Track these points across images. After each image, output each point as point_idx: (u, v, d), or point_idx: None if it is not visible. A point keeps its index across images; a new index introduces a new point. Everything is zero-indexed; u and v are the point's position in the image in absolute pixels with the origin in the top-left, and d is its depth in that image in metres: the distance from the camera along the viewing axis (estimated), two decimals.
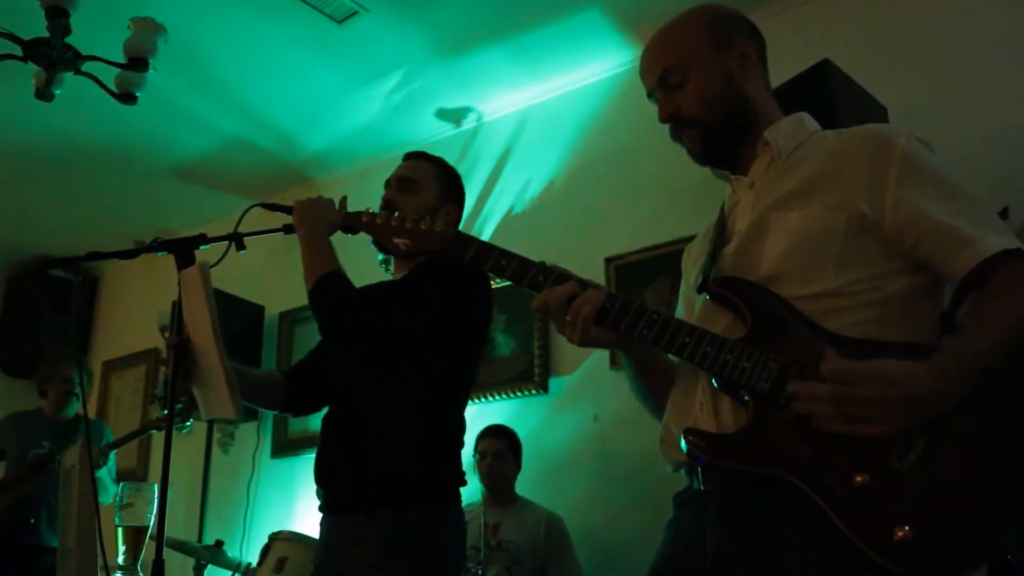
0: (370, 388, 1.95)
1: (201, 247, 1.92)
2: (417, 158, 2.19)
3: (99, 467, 3.63)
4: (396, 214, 1.44)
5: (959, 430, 1.11)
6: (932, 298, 1.27)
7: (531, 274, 1.33)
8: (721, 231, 1.41)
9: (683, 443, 1.22)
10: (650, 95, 1.46)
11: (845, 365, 1.12)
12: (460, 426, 2.02)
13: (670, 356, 1.33)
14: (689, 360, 1.23)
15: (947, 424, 1.11)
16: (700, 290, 1.34)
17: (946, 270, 1.22)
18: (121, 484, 2.63)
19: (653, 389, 1.47)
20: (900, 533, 1.06)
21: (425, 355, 1.93)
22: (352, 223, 1.50)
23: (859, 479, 1.10)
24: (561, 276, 1.32)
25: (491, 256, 1.35)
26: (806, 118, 1.44)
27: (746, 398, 1.20)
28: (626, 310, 1.27)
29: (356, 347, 1.99)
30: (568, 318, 1.28)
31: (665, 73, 1.41)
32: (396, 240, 1.41)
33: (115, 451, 3.73)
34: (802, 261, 1.25)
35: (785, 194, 1.31)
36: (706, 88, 1.38)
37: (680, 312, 1.54)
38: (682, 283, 1.56)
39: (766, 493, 1.16)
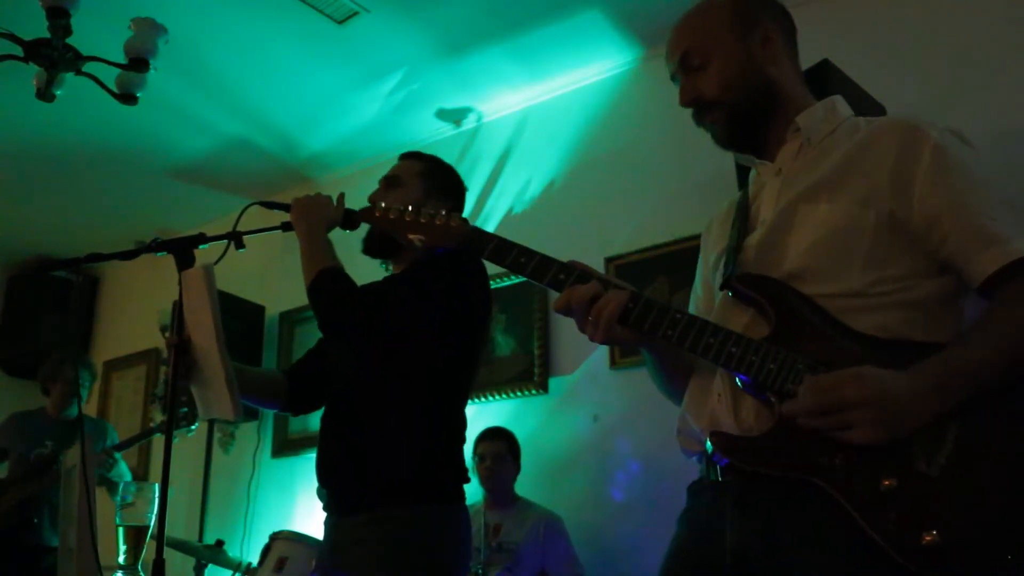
0: (370, 385, 1.95)
1: (200, 246, 1.92)
2: (407, 157, 2.20)
3: (108, 469, 3.64)
4: (410, 207, 1.38)
5: (987, 433, 1.10)
6: (959, 300, 1.26)
7: (552, 272, 1.29)
8: (744, 218, 1.38)
9: (708, 445, 1.21)
10: (673, 77, 1.43)
11: (820, 378, 1.12)
12: (461, 423, 2.01)
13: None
14: (714, 361, 1.21)
15: (974, 428, 1.10)
16: (723, 287, 1.32)
17: (967, 273, 1.20)
18: (122, 483, 2.64)
19: (677, 382, 1.44)
20: (928, 538, 1.05)
21: (425, 351, 1.93)
22: (365, 219, 1.44)
23: (887, 483, 1.09)
24: (583, 275, 1.29)
25: (510, 253, 1.31)
26: (839, 102, 1.41)
27: (772, 400, 1.19)
28: (649, 309, 1.25)
29: (355, 344, 1.99)
30: (590, 318, 1.25)
31: (686, 55, 1.38)
32: (411, 236, 1.36)
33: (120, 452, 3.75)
34: (829, 258, 1.23)
35: (813, 184, 1.29)
36: (727, 71, 1.36)
37: (697, 289, 1.52)
38: (700, 259, 1.54)
39: (789, 489, 1.16)
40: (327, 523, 1.98)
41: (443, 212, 1.37)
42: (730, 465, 1.21)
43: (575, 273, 1.29)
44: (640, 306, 1.25)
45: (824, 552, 1.12)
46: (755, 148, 1.41)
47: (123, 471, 3.73)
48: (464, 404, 2.04)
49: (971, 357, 1.13)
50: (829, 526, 1.12)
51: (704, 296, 1.49)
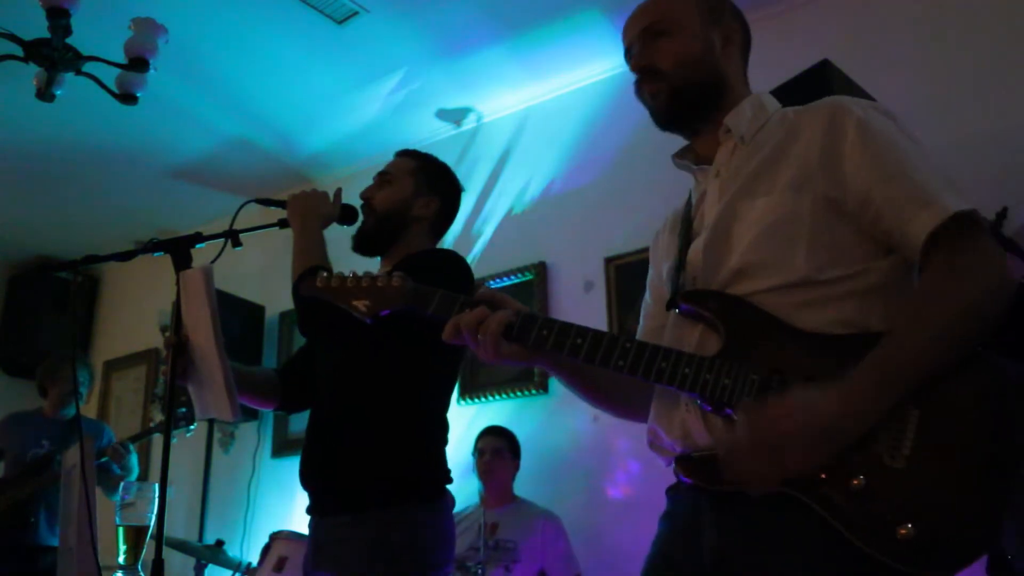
0: (352, 388, 1.95)
1: (197, 245, 1.92)
2: (402, 155, 2.21)
3: (121, 458, 3.66)
4: (351, 275, 1.39)
5: (947, 417, 1.10)
6: (913, 278, 1.24)
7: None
8: (688, 228, 1.38)
9: (675, 467, 1.22)
10: (628, 51, 1.43)
11: (752, 416, 1.11)
12: (443, 424, 2.01)
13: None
14: (669, 384, 1.21)
15: (934, 413, 1.10)
16: (669, 307, 1.32)
17: (905, 245, 1.19)
18: (122, 483, 2.64)
19: (608, 396, 1.45)
20: (902, 531, 1.05)
21: (406, 353, 1.92)
22: (310, 292, 1.43)
23: (855, 483, 1.09)
24: (468, 302, 1.29)
25: (454, 304, 1.31)
26: (766, 98, 1.42)
27: (735, 416, 1.17)
28: (598, 342, 1.23)
29: (336, 345, 1.99)
30: (479, 337, 1.26)
31: (649, 25, 1.39)
32: (356, 303, 1.37)
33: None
34: (772, 249, 1.23)
35: (748, 179, 1.29)
36: (685, 48, 1.37)
37: (648, 302, 1.52)
38: (651, 270, 1.54)
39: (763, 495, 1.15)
40: (310, 524, 1.98)
41: (384, 274, 1.37)
42: (701, 486, 1.21)
43: (539, 320, 1.28)
44: (589, 341, 1.24)
45: (804, 553, 1.12)
46: (690, 128, 1.42)
47: (134, 464, 3.74)
48: (446, 405, 2.04)
49: (906, 353, 1.11)
50: (806, 528, 1.12)
51: (655, 308, 1.49)
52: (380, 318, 1.37)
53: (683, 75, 1.37)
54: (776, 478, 1.10)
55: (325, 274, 1.42)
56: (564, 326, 1.26)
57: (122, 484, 2.30)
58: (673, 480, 1.35)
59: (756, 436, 1.10)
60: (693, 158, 1.44)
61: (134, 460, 3.76)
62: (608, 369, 1.23)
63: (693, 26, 1.38)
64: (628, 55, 1.44)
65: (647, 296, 1.54)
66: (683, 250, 1.35)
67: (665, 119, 1.42)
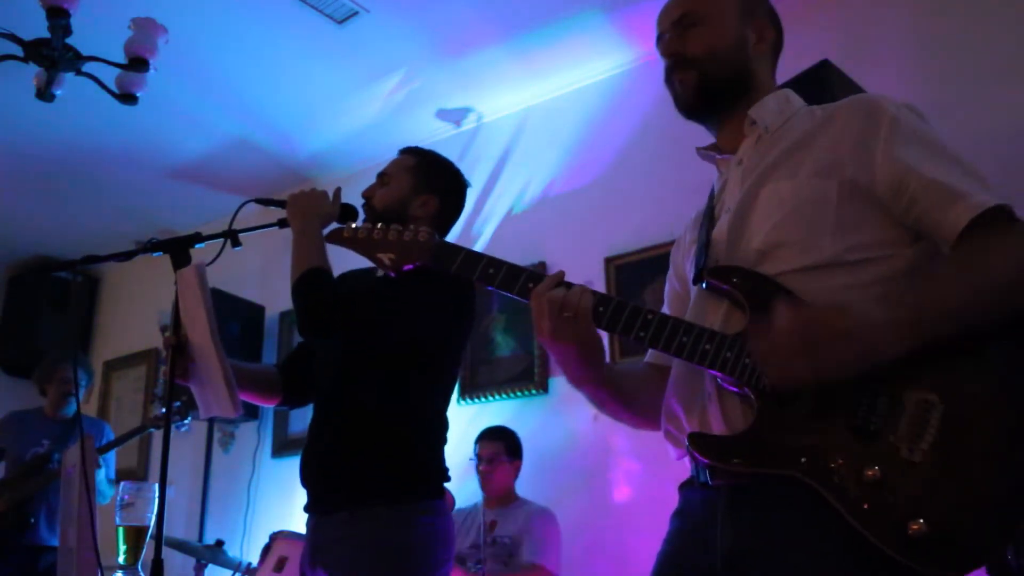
0: (352, 387, 1.95)
1: (196, 245, 1.92)
2: (403, 152, 2.20)
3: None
4: (379, 225, 1.39)
5: (970, 412, 1.09)
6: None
7: (521, 281, 1.29)
8: (711, 216, 1.38)
9: (687, 446, 1.21)
10: (660, 37, 1.44)
11: (804, 308, 1.11)
12: (443, 424, 2.02)
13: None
14: (689, 359, 1.20)
15: (958, 407, 1.09)
16: (695, 281, 1.32)
17: (939, 230, 1.19)
18: (122, 483, 2.63)
19: (628, 403, 1.45)
20: (914, 527, 1.04)
21: (406, 352, 1.93)
22: (334, 241, 1.45)
23: (870, 473, 1.08)
24: (551, 278, 1.28)
25: (479, 264, 1.31)
26: (791, 94, 1.43)
27: (750, 395, 1.17)
28: (621, 309, 1.24)
29: (336, 345, 2.00)
30: (566, 313, 1.23)
31: (684, 15, 1.40)
32: (380, 255, 1.37)
33: (114, 451, 3.71)
34: (797, 231, 1.23)
35: (772, 164, 1.30)
36: (718, 39, 1.38)
37: (664, 300, 1.52)
38: (668, 282, 1.54)
39: (777, 489, 1.14)
40: (308, 523, 1.99)
41: (411, 227, 1.37)
42: (711, 465, 1.20)
43: (545, 279, 1.27)
44: (612, 307, 1.24)
45: (816, 551, 1.11)
46: (715, 119, 1.42)
47: (100, 478, 3.63)
48: (447, 405, 2.05)
49: (949, 294, 1.12)
50: (819, 525, 1.11)
51: (671, 311, 1.49)
52: (403, 272, 1.37)
53: (713, 66, 1.37)
54: (809, 376, 1.09)
55: (352, 224, 1.42)
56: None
57: (122, 484, 2.30)
58: (684, 476, 1.34)
59: (795, 330, 1.08)
60: (716, 150, 1.45)
61: (100, 475, 3.58)
62: (628, 338, 1.23)
63: (727, 20, 1.39)
64: (659, 41, 1.44)
65: (665, 293, 1.53)
66: (708, 232, 1.34)
67: (690, 108, 1.42)
